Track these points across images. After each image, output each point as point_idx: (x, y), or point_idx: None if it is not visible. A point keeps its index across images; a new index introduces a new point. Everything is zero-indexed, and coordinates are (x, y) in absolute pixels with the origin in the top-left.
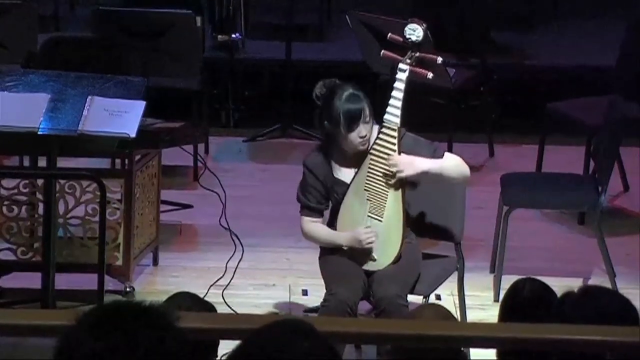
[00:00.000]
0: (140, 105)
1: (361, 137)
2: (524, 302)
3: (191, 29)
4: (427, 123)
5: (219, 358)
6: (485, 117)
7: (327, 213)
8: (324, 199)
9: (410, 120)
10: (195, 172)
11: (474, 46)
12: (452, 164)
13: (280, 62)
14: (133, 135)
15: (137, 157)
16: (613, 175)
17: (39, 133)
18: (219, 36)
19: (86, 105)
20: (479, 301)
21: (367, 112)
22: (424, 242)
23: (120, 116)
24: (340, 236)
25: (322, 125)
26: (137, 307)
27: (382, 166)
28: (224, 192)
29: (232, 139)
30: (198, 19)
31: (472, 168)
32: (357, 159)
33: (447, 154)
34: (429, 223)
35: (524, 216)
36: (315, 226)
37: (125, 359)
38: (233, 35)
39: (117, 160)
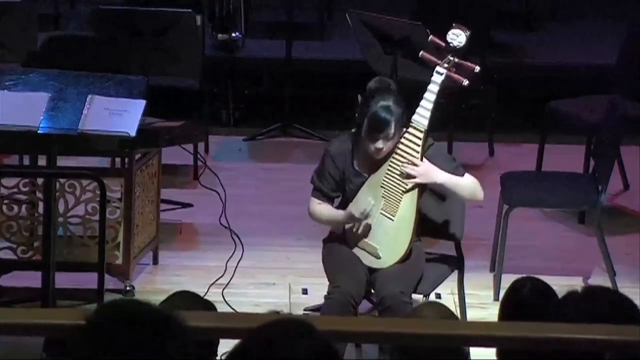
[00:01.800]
0: (140, 104)
1: (377, 148)
2: (524, 301)
3: (191, 28)
4: (427, 123)
5: (219, 357)
6: (485, 116)
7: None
8: (337, 187)
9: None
10: (196, 171)
11: (474, 46)
12: (468, 184)
13: (281, 61)
14: (133, 134)
15: (137, 156)
16: (613, 174)
17: (39, 132)
18: (219, 35)
19: (86, 104)
20: (479, 300)
21: (391, 129)
22: (424, 241)
23: (120, 115)
24: (340, 213)
25: (357, 116)
26: (143, 309)
27: (402, 166)
28: (224, 191)
29: (232, 138)
30: (198, 18)
31: (472, 167)
32: (374, 158)
33: (466, 174)
34: (429, 222)
35: (524, 215)
36: (322, 206)
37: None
38: (233, 34)
39: (117, 159)
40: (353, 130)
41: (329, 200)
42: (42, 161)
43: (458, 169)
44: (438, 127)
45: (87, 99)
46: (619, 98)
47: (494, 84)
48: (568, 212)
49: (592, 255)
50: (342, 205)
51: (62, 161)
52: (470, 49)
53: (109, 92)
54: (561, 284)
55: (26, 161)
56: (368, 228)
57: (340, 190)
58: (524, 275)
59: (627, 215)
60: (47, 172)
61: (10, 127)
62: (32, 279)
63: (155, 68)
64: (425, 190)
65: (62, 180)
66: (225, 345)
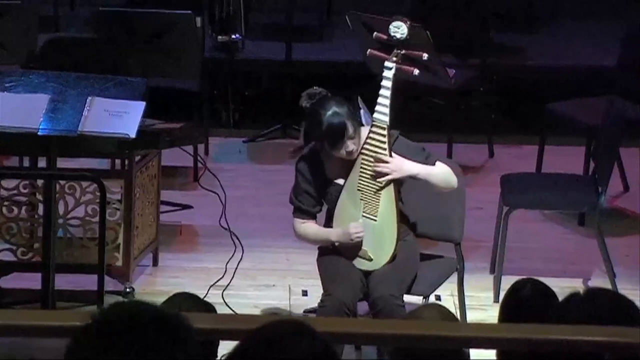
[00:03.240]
0: (140, 106)
1: (348, 152)
2: (524, 302)
3: (191, 29)
4: (427, 123)
5: (218, 358)
6: (485, 117)
7: (321, 217)
8: (316, 202)
9: (410, 120)
10: (195, 173)
11: (474, 46)
12: (440, 172)
13: (280, 62)
14: (133, 135)
15: (137, 158)
16: (613, 175)
17: (38, 134)
18: (219, 37)
19: (86, 105)
20: (479, 302)
21: (350, 129)
22: (424, 242)
23: (120, 117)
24: (331, 232)
25: (308, 137)
26: (149, 310)
27: (373, 166)
28: (224, 192)
29: (232, 140)
30: (198, 19)
31: (472, 168)
32: (347, 161)
33: (438, 162)
34: (429, 223)
35: (524, 217)
36: (306, 226)
37: None
38: (233, 36)
39: (117, 161)
40: (311, 145)
41: (312, 216)
42: (42, 163)
43: (429, 158)
44: (437, 128)
45: (87, 100)
46: (618, 99)
47: (494, 86)
48: (568, 214)
49: (592, 257)
50: (327, 216)
51: (62, 163)
52: (471, 49)
53: (109, 94)
54: (561, 286)
55: (26, 163)
56: (360, 243)
57: (320, 203)
58: (524, 277)
59: (627, 217)
60: (47, 173)
61: (10, 128)
62: (32, 281)
63: (155, 70)
64: (401, 184)
65: (62, 182)
66: (225, 347)
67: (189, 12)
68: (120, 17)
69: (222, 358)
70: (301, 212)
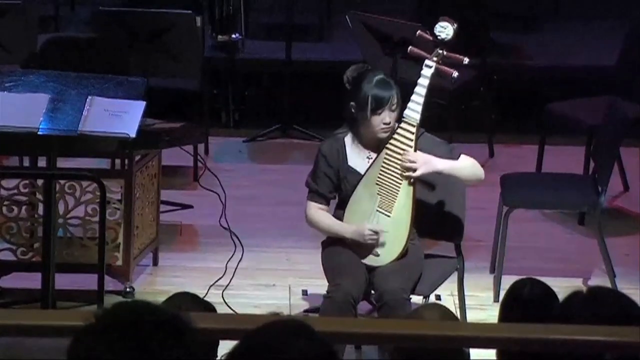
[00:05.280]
0: (140, 106)
1: (385, 124)
2: (524, 302)
3: (191, 29)
4: (427, 123)
5: (218, 358)
6: (485, 117)
7: (333, 203)
8: (333, 187)
9: None
10: (196, 173)
11: (474, 46)
12: (466, 165)
13: (280, 62)
14: (133, 135)
15: (137, 158)
16: (613, 175)
17: (39, 133)
18: (219, 36)
19: (86, 105)
20: (479, 301)
21: (395, 99)
22: (424, 242)
23: (120, 116)
24: (344, 227)
25: (348, 108)
26: (152, 310)
27: (397, 161)
28: (224, 192)
29: (232, 139)
30: (198, 19)
31: None
32: (373, 150)
33: (462, 155)
34: (429, 223)
35: (524, 216)
36: (321, 213)
37: None
38: (233, 36)
39: (117, 161)
40: (343, 129)
41: (327, 201)
42: (42, 162)
43: (453, 152)
44: (438, 128)
45: (87, 100)
46: (618, 99)
47: (494, 85)
48: (568, 214)
49: (592, 256)
50: (339, 206)
51: (62, 162)
52: (470, 49)
53: (109, 94)
54: (561, 286)
55: (26, 162)
56: (374, 245)
57: (337, 190)
58: (524, 277)
59: (627, 216)
60: (47, 173)
61: (10, 128)
62: (32, 280)
63: (155, 69)
64: (426, 186)
65: (62, 182)
66: (225, 347)
67: (189, 12)
68: (120, 17)
69: (222, 358)
70: (318, 195)
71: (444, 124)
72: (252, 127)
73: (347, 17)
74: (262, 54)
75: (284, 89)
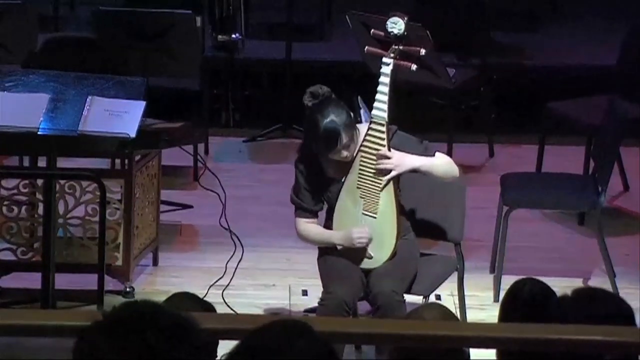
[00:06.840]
0: (140, 106)
1: (342, 157)
2: (524, 302)
3: (191, 29)
4: (427, 123)
5: (218, 358)
6: (485, 117)
7: (322, 214)
8: (317, 199)
9: (410, 120)
10: (195, 173)
11: (474, 46)
12: (442, 162)
13: (280, 62)
14: (133, 135)
15: (137, 158)
16: (613, 175)
17: (38, 133)
18: (219, 36)
19: (86, 105)
20: (479, 301)
21: (344, 139)
22: (424, 242)
23: (120, 116)
24: (334, 235)
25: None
26: (158, 310)
27: (373, 163)
28: (224, 192)
29: (232, 139)
30: (198, 19)
31: (472, 168)
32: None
33: (437, 153)
34: (429, 223)
35: (524, 216)
36: (310, 227)
37: None
38: (233, 35)
39: (117, 161)
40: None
41: (314, 215)
42: (42, 162)
43: (428, 149)
44: (438, 128)
45: (87, 100)
46: (618, 99)
47: (494, 85)
48: (568, 214)
49: (592, 256)
50: (327, 216)
51: (62, 162)
52: (471, 49)
53: (109, 93)
54: (561, 285)
55: (26, 162)
56: (366, 248)
57: (320, 201)
58: (524, 277)
59: (627, 216)
60: (47, 173)
61: (10, 128)
62: (31, 280)
63: (155, 69)
64: (399, 180)
65: (62, 182)
66: (225, 347)
67: (189, 12)
68: (120, 17)
69: (222, 358)
70: (303, 209)
71: (444, 124)
72: (252, 127)
73: (347, 17)
74: (262, 54)
75: (284, 89)
